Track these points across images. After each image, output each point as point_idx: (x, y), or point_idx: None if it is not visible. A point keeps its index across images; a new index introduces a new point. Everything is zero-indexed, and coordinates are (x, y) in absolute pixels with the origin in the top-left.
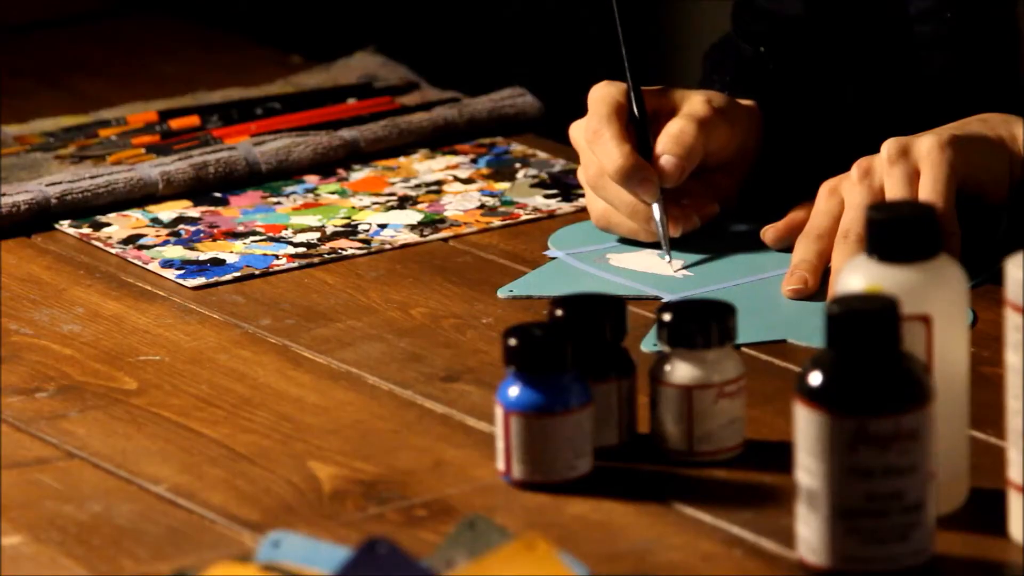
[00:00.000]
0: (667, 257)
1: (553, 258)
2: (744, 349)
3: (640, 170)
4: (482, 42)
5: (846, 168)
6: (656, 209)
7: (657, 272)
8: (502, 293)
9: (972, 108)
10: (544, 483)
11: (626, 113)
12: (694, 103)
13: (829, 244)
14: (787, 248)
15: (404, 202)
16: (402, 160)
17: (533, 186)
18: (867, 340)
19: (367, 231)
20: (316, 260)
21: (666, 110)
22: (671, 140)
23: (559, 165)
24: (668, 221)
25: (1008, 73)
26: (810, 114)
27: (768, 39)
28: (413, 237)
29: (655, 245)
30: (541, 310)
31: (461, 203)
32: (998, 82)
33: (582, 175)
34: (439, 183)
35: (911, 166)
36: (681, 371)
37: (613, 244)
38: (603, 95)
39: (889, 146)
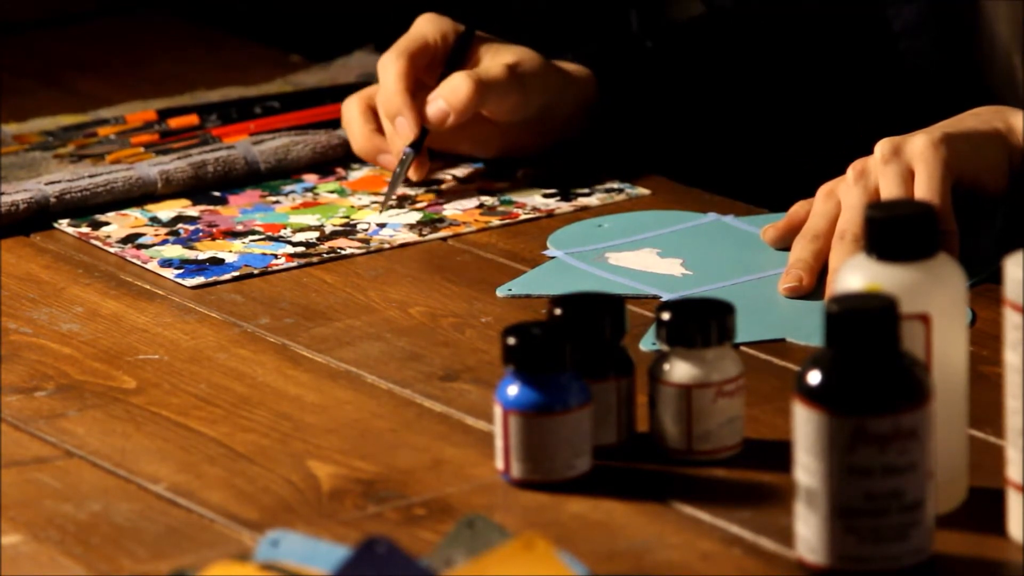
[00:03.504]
0: (385, 199)
1: (552, 257)
2: (743, 348)
3: (381, 147)
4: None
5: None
6: (404, 152)
7: (656, 271)
8: (501, 292)
9: (952, 92)
10: (543, 482)
11: (424, 51)
12: (493, 63)
13: (825, 244)
14: (787, 248)
15: (403, 201)
16: None
17: (532, 185)
18: (866, 339)
19: (366, 230)
20: (315, 259)
21: (474, 61)
22: (440, 90)
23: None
24: (413, 166)
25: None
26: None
27: (670, 32)
28: (412, 236)
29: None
30: (540, 309)
31: (460, 202)
32: (965, 41)
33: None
34: (438, 182)
35: (904, 165)
36: (680, 370)
37: (612, 243)
38: (420, 25)
39: (882, 146)
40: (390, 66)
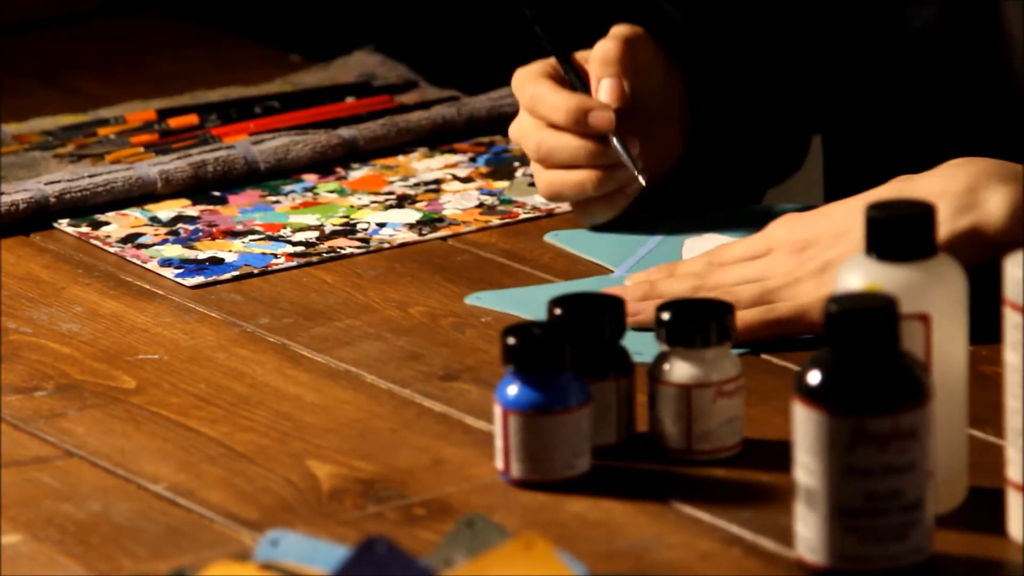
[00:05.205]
0: (636, 173)
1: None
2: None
3: (587, 104)
4: (481, 41)
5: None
6: (615, 141)
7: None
8: (470, 300)
9: (959, 73)
10: (543, 482)
11: (555, 76)
12: (612, 30)
13: (678, 286)
14: None
15: (403, 201)
16: (401, 159)
17: (532, 185)
18: (866, 339)
19: (366, 230)
20: (315, 259)
21: (583, 66)
22: (597, 63)
23: None
24: (626, 140)
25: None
26: (749, 85)
27: (696, 4)
28: (412, 236)
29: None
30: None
31: (460, 202)
32: (984, 42)
33: (533, 157)
34: (438, 182)
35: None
36: (680, 370)
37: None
38: (525, 72)
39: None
40: (541, 91)
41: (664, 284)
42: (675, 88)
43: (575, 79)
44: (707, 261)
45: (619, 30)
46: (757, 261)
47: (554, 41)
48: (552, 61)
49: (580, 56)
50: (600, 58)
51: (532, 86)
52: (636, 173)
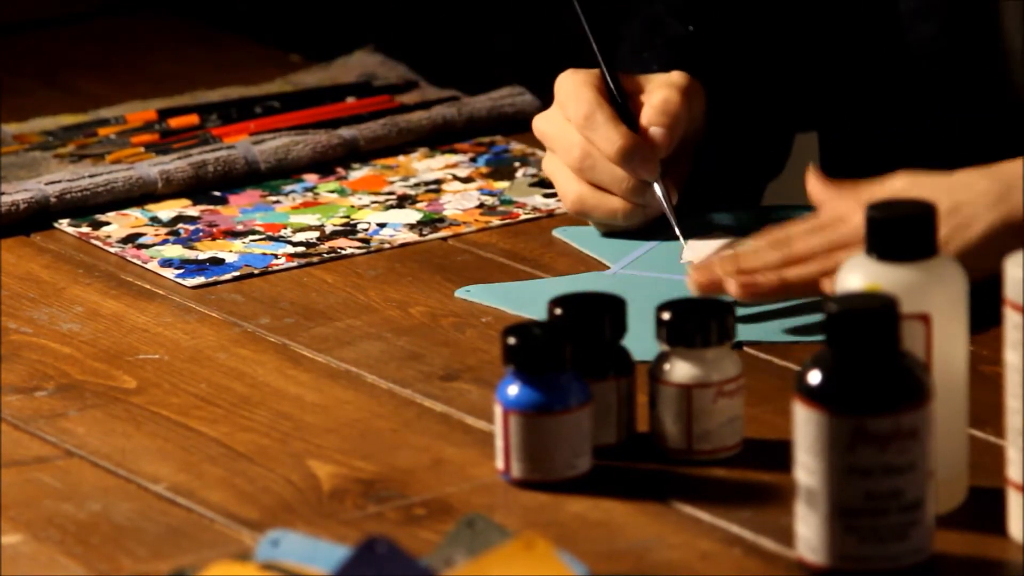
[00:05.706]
0: (677, 231)
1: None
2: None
3: (641, 149)
4: (481, 41)
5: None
6: (658, 187)
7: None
8: (459, 293)
9: (957, 81)
10: (543, 482)
11: (603, 91)
12: (670, 75)
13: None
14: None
15: (403, 201)
16: (401, 159)
17: (532, 185)
18: (866, 339)
19: (366, 230)
20: (315, 259)
21: (632, 91)
22: (656, 111)
23: None
24: (669, 190)
25: (989, 52)
26: (751, 94)
27: (701, 15)
28: (412, 236)
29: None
30: None
31: (460, 202)
32: (982, 54)
33: (557, 161)
34: (438, 182)
35: None
36: (680, 370)
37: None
38: (579, 80)
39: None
40: (598, 116)
41: (747, 259)
42: (701, 128)
43: (619, 99)
44: (771, 238)
45: (679, 80)
46: (835, 230)
47: (608, 59)
48: (596, 72)
49: (626, 79)
50: (660, 108)
51: (588, 105)
52: (677, 231)
